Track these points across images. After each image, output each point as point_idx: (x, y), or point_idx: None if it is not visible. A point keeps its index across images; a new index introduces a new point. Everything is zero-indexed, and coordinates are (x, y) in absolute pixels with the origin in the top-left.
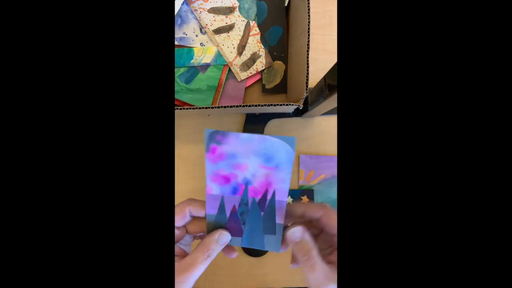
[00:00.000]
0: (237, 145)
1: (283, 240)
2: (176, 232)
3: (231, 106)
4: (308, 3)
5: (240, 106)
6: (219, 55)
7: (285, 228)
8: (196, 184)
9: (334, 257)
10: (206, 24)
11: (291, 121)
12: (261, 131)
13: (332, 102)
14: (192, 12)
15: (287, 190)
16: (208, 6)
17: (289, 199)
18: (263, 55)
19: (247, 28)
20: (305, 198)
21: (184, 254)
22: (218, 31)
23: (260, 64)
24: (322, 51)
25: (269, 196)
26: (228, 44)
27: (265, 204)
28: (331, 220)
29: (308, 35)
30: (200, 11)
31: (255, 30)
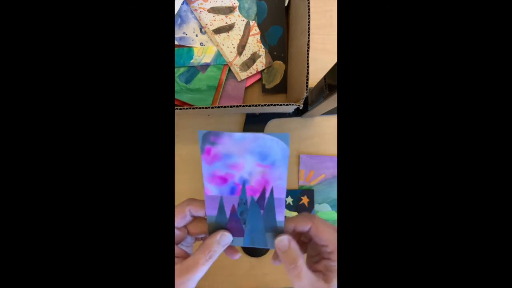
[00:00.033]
0: (232, 145)
1: (274, 254)
2: (177, 232)
3: (231, 106)
4: (308, 3)
5: (240, 106)
6: (219, 55)
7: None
8: (196, 184)
9: (321, 265)
10: (206, 24)
11: (291, 121)
12: (261, 131)
13: (332, 102)
14: (192, 12)
15: (284, 187)
16: (208, 5)
17: (289, 200)
18: (263, 55)
19: (247, 27)
20: (305, 198)
21: (186, 256)
22: (218, 31)
23: (260, 64)
24: (322, 51)
25: (267, 194)
26: (228, 44)
27: (264, 202)
28: (319, 232)
29: (308, 34)
30: (200, 11)
31: (255, 30)
